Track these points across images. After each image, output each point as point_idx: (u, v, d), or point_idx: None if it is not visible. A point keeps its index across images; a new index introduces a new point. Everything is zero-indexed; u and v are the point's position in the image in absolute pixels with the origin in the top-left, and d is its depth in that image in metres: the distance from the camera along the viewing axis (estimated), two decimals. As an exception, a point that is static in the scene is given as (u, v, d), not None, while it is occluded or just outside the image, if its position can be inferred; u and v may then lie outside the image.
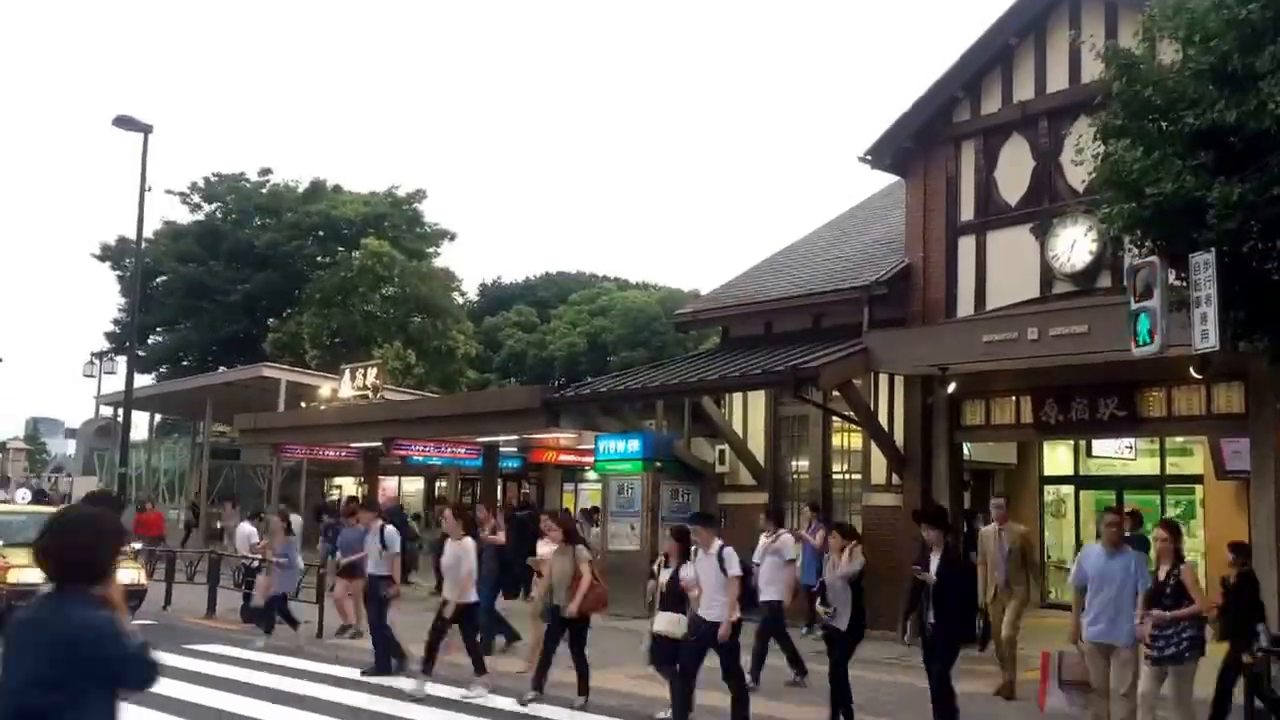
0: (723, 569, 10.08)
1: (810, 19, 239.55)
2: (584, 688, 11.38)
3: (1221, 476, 17.92)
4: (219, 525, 36.13)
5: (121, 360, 39.80)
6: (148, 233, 29.99)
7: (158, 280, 50.61)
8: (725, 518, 19.60)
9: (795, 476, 19.50)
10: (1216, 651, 10.31)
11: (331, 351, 43.12)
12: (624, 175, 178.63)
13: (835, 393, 16.77)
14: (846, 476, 18.64)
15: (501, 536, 16.34)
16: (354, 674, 12.87)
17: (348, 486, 37.16)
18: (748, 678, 11.21)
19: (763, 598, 12.64)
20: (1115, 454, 20.36)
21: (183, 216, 52.87)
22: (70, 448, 73.08)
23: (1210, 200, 9.08)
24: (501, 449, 27.81)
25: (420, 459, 28.56)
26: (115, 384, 38.96)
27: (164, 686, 11.53)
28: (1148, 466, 20.13)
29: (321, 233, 51.58)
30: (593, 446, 21.30)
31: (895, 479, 17.30)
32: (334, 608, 16.10)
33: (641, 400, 20.56)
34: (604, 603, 11.87)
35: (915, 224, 17.46)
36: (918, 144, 17.34)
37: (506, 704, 11.30)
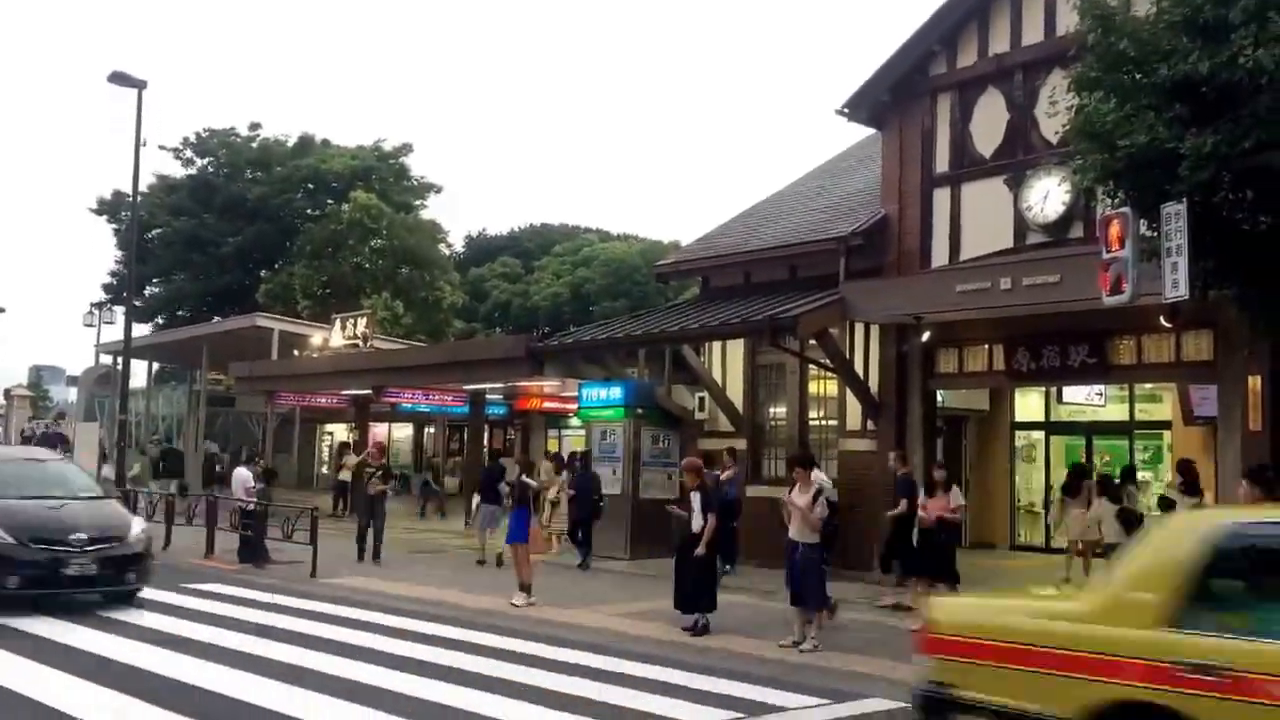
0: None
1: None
2: None
3: (1190, 422, 17.86)
4: (218, 469, 36.15)
5: (120, 310, 39.53)
6: (142, 187, 29.54)
7: (153, 233, 50.19)
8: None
9: (773, 423, 19.38)
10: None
11: (322, 302, 42.90)
12: (606, 128, 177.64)
13: (812, 341, 16.62)
14: (823, 423, 18.53)
15: None
16: (350, 612, 12.76)
17: (339, 433, 37.12)
18: None
19: None
20: (1085, 401, 20.33)
21: (176, 171, 52.44)
22: (72, 395, 72.69)
23: (1182, 151, 8.92)
24: (488, 396, 27.74)
25: (409, 406, 28.50)
26: (114, 333, 38.63)
27: (165, 623, 11.56)
28: (1117, 413, 20.10)
29: (311, 186, 51.18)
30: (576, 394, 21.20)
31: (870, 425, 17.20)
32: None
33: (624, 349, 20.42)
34: None
35: (891, 176, 17.25)
36: (894, 97, 17.08)
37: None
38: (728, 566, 15.50)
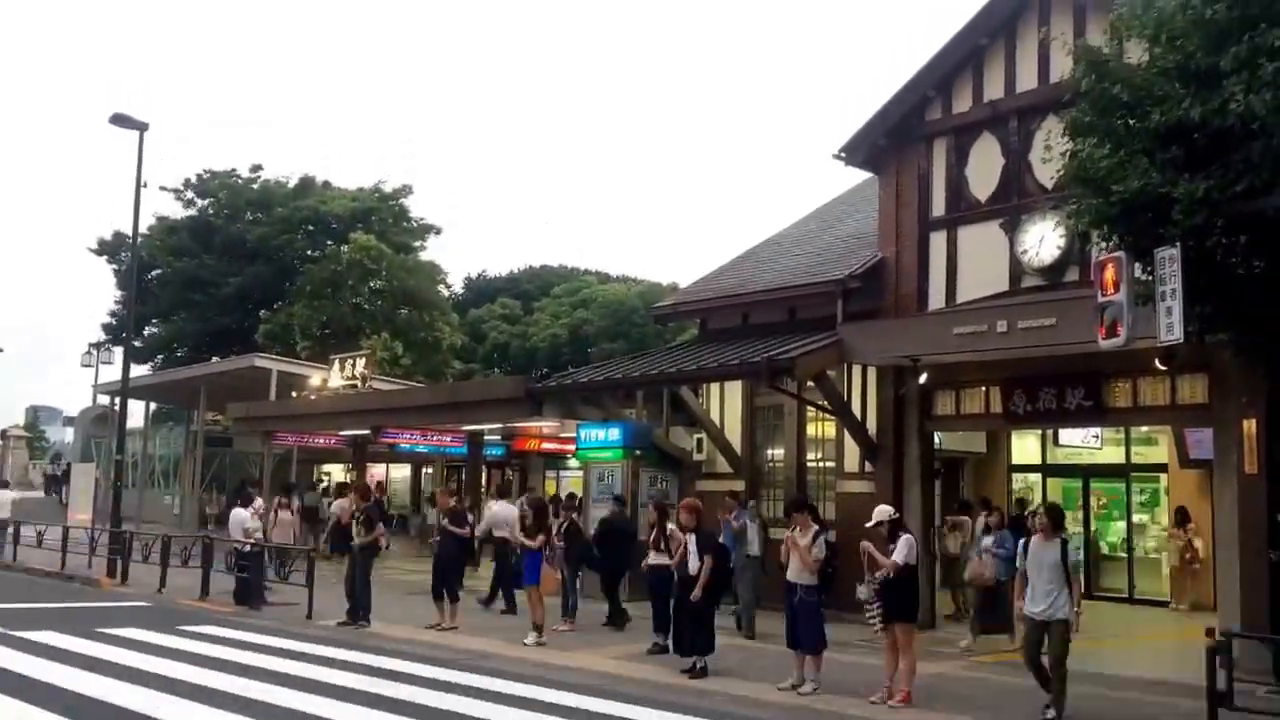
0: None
1: (788, 18, 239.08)
2: None
3: (1185, 465, 17.93)
4: (208, 511, 36.03)
5: (118, 351, 39.56)
6: (142, 228, 29.61)
7: (153, 274, 50.27)
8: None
9: (771, 465, 19.40)
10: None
11: (321, 342, 42.90)
12: (605, 171, 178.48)
13: (810, 383, 16.67)
14: (820, 464, 18.54)
15: None
16: (346, 655, 12.72)
17: (337, 473, 37.04)
18: None
19: None
20: (1082, 443, 20.36)
21: (176, 212, 52.55)
22: (68, 435, 72.70)
23: (1176, 196, 9.00)
24: (486, 437, 27.72)
25: (407, 447, 28.44)
26: (112, 373, 38.70)
27: (158, 665, 11.50)
28: (1113, 455, 20.12)
29: (311, 227, 51.32)
30: (574, 435, 21.19)
31: (868, 467, 17.22)
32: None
33: (622, 390, 20.43)
34: None
35: (888, 219, 17.36)
36: (891, 142, 17.23)
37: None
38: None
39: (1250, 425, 12.85)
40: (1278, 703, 10.01)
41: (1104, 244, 10.35)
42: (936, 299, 16.54)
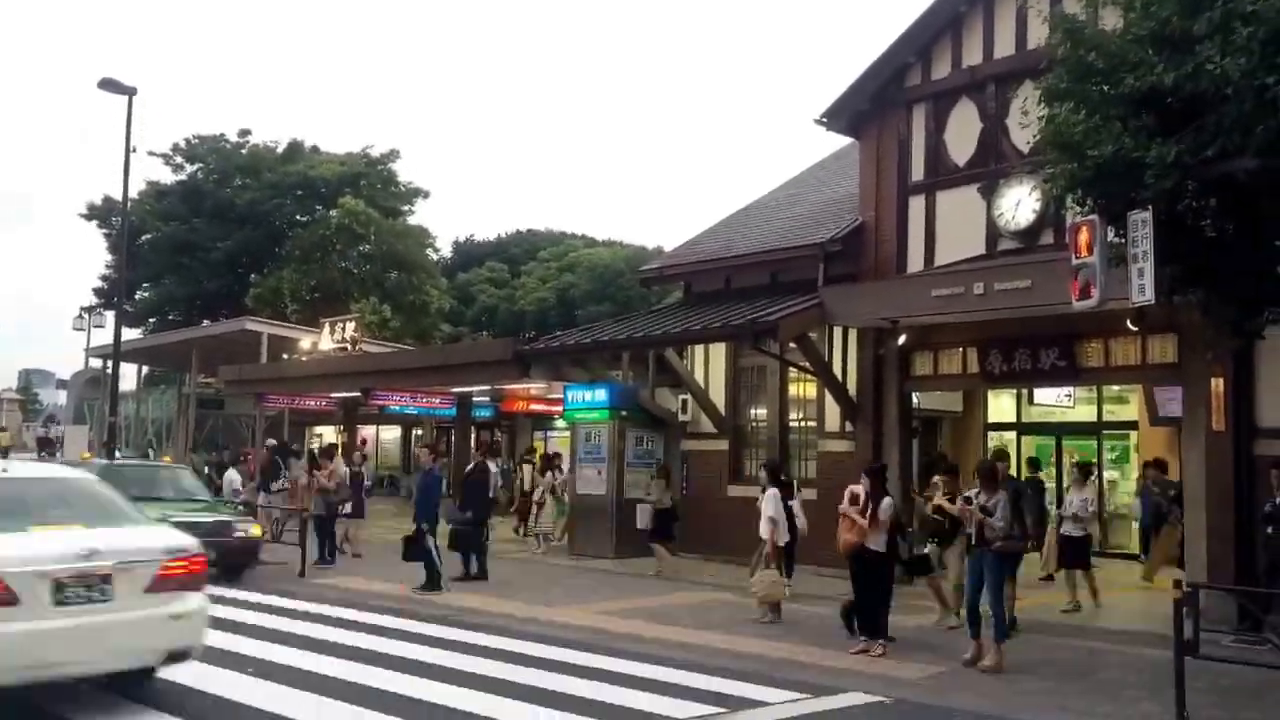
0: None
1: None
2: None
3: (1155, 423, 18.09)
4: (206, 472, 36.09)
5: (110, 314, 39.47)
6: (132, 193, 29.50)
7: (143, 238, 50.04)
8: (686, 463, 19.74)
9: (754, 424, 19.52)
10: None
11: (311, 306, 42.88)
12: (592, 136, 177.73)
13: (792, 344, 16.76)
14: (802, 424, 18.68)
15: None
16: (342, 612, 12.84)
17: (328, 434, 37.12)
18: None
19: None
20: (1055, 402, 20.53)
21: (166, 177, 52.39)
22: (61, 398, 72.62)
23: (1148, 161, 9.04)
24: (475, 399, 27.81)
25: (397, 408, 28.54)
26: (104, 337, 38.73)
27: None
28: (1086, 414, 20.30)
29: (300, 192, 51.15)
30: (562, 396, 21.26)
31: (848, 426, 17.35)
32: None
33: (608, 352, 20.50)
34: None
35: (868, 184, 17.40)
36: (872, 107, 17.24)
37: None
38: None
39: (1217, 384, 13.02)
40: (1241, 651, 10.19)
41: (1078, 207, 10.39)
42: (915, 262, 16.61)
